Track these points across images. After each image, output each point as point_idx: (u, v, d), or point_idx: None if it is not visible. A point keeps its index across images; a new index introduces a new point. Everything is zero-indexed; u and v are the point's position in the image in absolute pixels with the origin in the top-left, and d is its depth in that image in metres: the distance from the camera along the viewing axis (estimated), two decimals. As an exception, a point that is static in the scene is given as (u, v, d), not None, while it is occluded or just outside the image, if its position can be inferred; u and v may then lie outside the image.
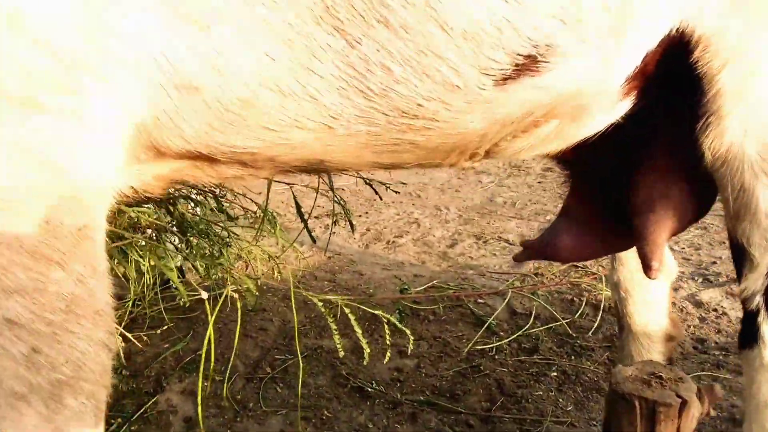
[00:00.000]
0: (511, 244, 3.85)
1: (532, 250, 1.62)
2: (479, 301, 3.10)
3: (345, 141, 0.90)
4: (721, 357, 2.47)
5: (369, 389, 2.32)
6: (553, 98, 0.93)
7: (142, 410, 2.20)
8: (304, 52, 0.78)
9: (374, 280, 3.43)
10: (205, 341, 1.89)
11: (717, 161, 1.12)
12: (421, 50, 0.79)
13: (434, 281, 3.37)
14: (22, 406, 0.73)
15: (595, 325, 2.72)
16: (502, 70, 0.84)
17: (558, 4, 0.83)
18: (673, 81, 1.08)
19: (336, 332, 2.06)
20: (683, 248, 3.81)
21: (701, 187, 1.23)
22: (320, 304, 1.67)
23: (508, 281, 3.27)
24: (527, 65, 0.86)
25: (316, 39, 0.77)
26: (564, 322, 2.77)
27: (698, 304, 3.00)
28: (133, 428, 2.11)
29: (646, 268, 1.26)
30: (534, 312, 2.88)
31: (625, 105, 1.11)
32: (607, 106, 1.05)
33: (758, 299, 1.26)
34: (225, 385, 2.39)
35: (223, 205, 2.26)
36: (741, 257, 1.26)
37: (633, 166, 1.30)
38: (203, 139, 0.88)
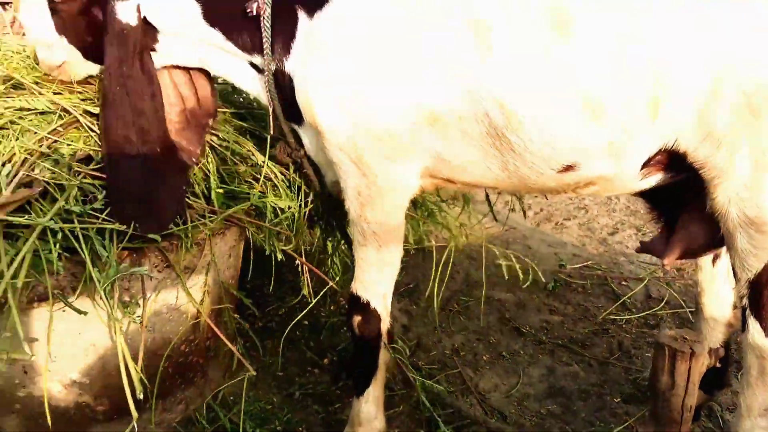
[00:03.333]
0: (664, 240, 4.49)
1: (645, 248, 2.51)
2: (623, 283, 3.89)
3: (503, 183, 2.07)
4: None
5: (524, 330, 3.32)
6: (587, 177, 1.98)
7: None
8: (486, 154, 1.95)
9: (539, 253, 4.35)
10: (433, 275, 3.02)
11: (715, 213, 1.92)
12: (528, 160, 1.90)
13: (589, 262, 4.19)
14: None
15: (715, 316, 3.38)
16: (559, 169, 1.92)
17: (577, 148, 1.86)
18: (687, 166, 1.91)
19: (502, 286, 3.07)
20: None
21: (711, 227, 1.99)
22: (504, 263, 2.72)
23: (651, 270, 3.99)
24: (568, 168, 1.91)
25: (490, 151, 1.93)
26: (688, 310, 3.47)
27: None
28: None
29: (661, 261, 2.21)
30: (666, 299, 3.61)
31: (655, 178, 2.00)
32: (630, 181, 2.00)
33: (744, 301, 1.99)
34: (430, 309, 3.55)
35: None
36: (734, 272, 2.03)
37: (679, 208, 2.15)
38: (452, 175, 2.08)
